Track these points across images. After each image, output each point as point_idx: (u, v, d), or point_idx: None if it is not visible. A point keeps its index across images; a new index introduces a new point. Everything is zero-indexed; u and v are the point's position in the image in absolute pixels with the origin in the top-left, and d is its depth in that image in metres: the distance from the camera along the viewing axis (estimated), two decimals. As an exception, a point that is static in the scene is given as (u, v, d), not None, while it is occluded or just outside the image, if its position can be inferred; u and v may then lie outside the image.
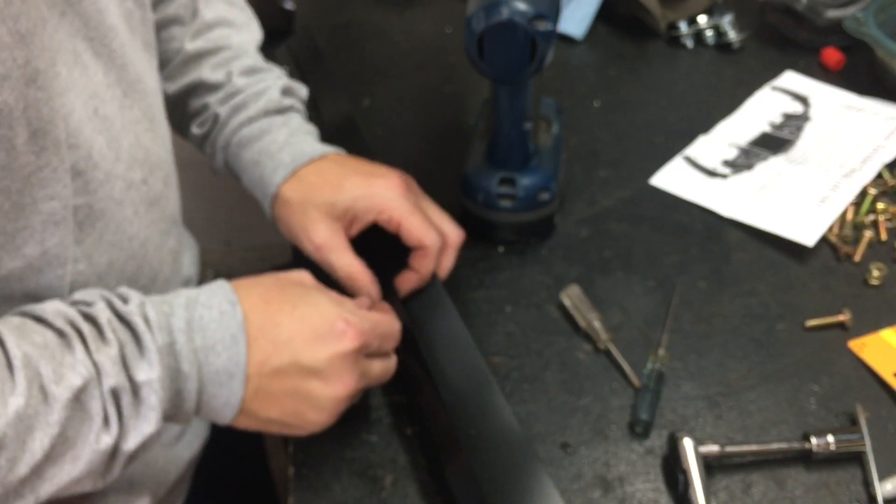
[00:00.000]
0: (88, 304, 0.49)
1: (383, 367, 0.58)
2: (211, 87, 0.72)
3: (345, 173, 0.67)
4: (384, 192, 0.65)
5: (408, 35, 1.06)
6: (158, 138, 0.63)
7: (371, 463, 0.62)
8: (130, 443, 0.48)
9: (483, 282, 0.75)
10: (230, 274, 0.81)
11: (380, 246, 0.66)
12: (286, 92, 0.73)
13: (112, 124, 0.56)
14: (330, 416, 0.54)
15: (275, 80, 0.73)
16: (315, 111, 0.91)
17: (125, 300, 0.50)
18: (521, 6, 0.61)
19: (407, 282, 0.66)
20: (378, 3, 1.11)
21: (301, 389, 0.53)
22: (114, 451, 0.48)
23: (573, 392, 0.66)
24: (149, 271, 0.61)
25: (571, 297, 0.71)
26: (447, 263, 0.67)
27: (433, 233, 0.65)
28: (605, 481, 0.60)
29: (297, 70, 0.99)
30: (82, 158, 0.52)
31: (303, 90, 0.75)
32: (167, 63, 0.74)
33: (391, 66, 1.01)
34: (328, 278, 0.63)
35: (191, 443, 0.71)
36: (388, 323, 0.59)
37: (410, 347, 0.62)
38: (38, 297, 0.52)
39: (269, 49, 0.83)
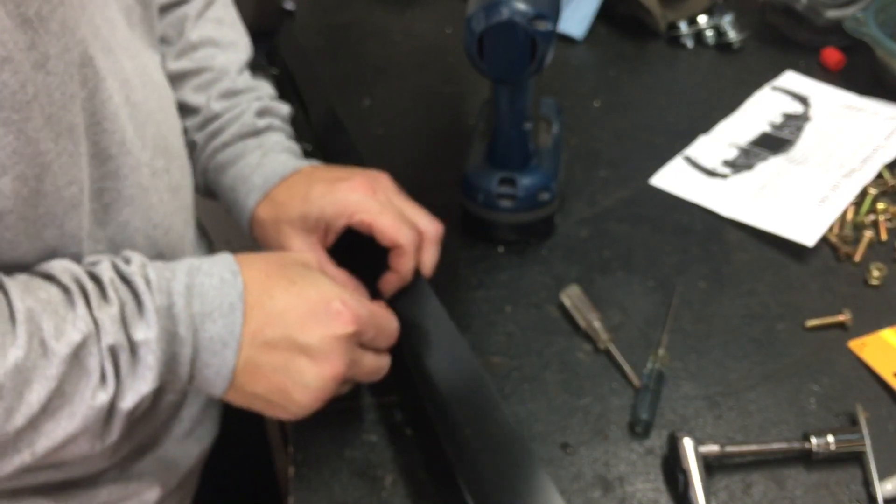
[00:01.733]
0: (94, 263, 0.50)
1: (375, 364, 0.58)
2: (190, 111, 0.72)
3: (311, 184, 0.66)
4: (349, 196, 0.64)
5: (408, 35, 1.06)
6: (174, 130, 0.63)
7: (371, 463, 0.62)
8: (128, 401, 0.48)
9: (483, 282, 0.75)
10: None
11: (361, 251, 0.65)
12: (261, 113, 0.72)
13: (140, 112, 0.56)
14: (314, 399, 0.54)
15: (250, 103, 0.72)
16: (303, 113, 0.91)
17: (128, 261, 0.51)
18: (521, 6, 0.61)
19: (388, 283, 0.65)
20: (378, 3, 1.11)
21: (289, 366, 0.52)
22: (110, 409, 0.48)
23: (573, 392, 0.66)
24: (171, 259, 0.61)
25: (571, 297, 0.71)
26: (429, 259, 0.66)
27: (406, 229, 0.64)
28: (605, 481, 0.60)
29: (285, 72, 0.99)
30: (115, 143, 0.53)
31: (283, 108, 0.74)
32: None
33: (391, 66, 1.01)
34: None
35: (201, 438, 0.71)
36: (386, 317, 0.59)
37: (401, 348, 0.62)
38: None
39: (261, 49, 0.82)
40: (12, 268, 0.50)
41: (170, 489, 0.66)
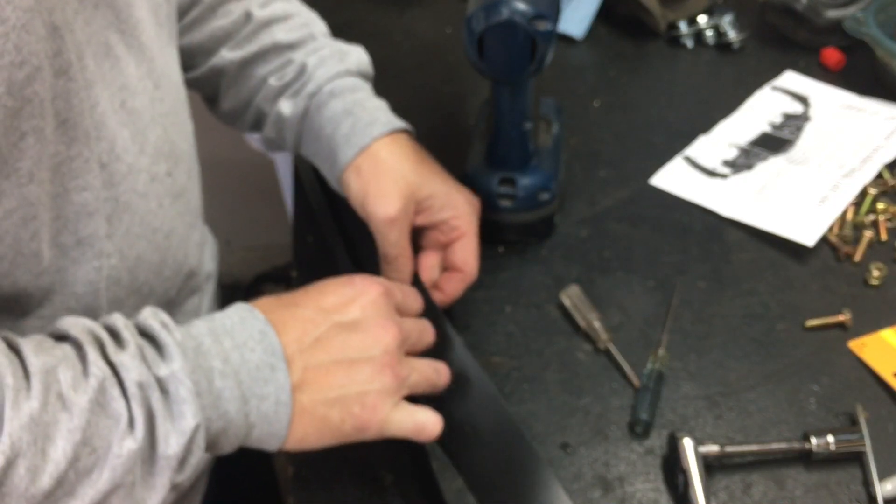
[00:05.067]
0: (107, 317, 0.49)
1: (419, 326, 0.57)
2: (288, 46, 0.72)
3: (435, 164, 0.68)
4: (464, 204, 0.67)
5: (408, 35, 1.06)
6: (183, 132, 0.63)
7: (371, 463, 0.61)
8: (172, 445, 0.45)
9: (483, 282, 0.74)
10: (230, 274, 0.81)
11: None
12: (367, 62, 0.74)
13: (140, 117, 0.56)
14: (389, 375, 0.51)
15: (358, 47, 0.73)
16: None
17: (140, 313, 0.49)
18: (521, 6, 0.61)
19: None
20: (378, 3, 1.11)
21: (347, 349, 0.51)
22: (150, 459, 0.45)
23: (573, 392, 0.66)
24: (174, 264, 0.61)
25: (571, 297, 0.71)
26: (460, 291, 0.68)
27: (477, 264, 0.67)
28: (605, 481, 0.60)
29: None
30: (105, 151, 0.52)
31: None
32: (232, 34, 0.73)
33: (391, 66, 1.01)
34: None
35: None
36: (399, 285, 0.59)
37: None
38: (78, 294, 0.53)
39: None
40: (42, 291, 0.50)
41: (183, 491, 0.66)
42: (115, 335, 0.47)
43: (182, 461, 0.46)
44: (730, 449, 0.60)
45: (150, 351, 0.46)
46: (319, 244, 0.80)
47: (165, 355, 0.46)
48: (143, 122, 0.56)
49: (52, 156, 0.48)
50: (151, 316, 0.48)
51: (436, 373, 0.56)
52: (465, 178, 0.75)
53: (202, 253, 0.68)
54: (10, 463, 0.41)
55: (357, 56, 0.72)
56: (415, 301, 0.59)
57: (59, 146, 0.48)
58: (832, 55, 0.96)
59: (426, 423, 0.53)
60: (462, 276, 0.66)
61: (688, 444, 0.58)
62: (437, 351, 0.59)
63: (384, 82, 0.99)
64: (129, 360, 0.45)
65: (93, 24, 0.51)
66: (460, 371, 0.59)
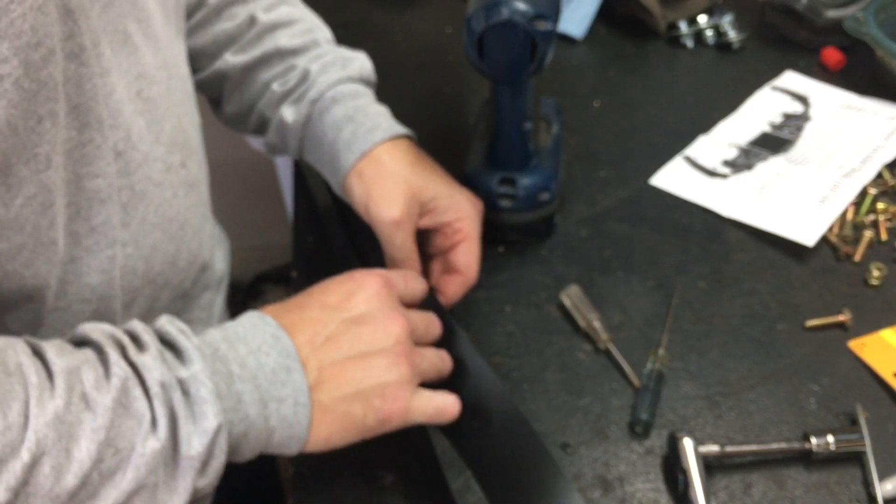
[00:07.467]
0: (126, 323, 0.49)
1: (425, 319, 0.57)
2: (291, 52, 0.72)
3: (437, 167, 0.68)
4: (468, 206, 0.66)
5: (408, 35, 1.06)
6: (193, 125, 0.63)
7: (371, 463, 0.62)
8: (195, 445, 0.45)
9: (483, 282, 0.74)
10: (230, 274, 0.81)
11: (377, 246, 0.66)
12: (370, 69, 0.73)
13: (156, 106, 0.56)
14: (404, 364, 0.52)
15: (361, 54, 0.73)
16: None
17: (156, 321, 0.50)
18: (521, 6, 0.61)
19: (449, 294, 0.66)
20: (378, 3, 1.11)
21: (359, 343, 0.52)
22: (173, 460, 0.45)
23: (573, 392, 0.66)
24: (188, 255, 0.61)
25: (571, 297, 0.71)
26: (460, 294, 0.67)
27: (478, 267, 0.66)
28: (605, 481, 0.60)
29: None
30: (121, 139, 0.53)
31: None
32: (237, 38, 0.73)
33: (391, 66, 1.01)
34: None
35: None
36: (399, 272, 0.59)
37: None
38: (92, 285, 0.53)
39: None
40: (59, 282, 0.50)
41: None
42: (134, 339, 0.47)
43: (205, 463, 0.46)
44: (730, 449, 0.60)
45: (169, 355, 0.47)
46: (319, 244, 0.80)
47: (185, 359, 0.47)
48: (159, 112, 0.56)
49: (65, 141, 0.48)
50: (168, 322, 0.49)
51: (441, 360, 0.57)
52: (465, 178, 0.75)
53: (215, 249, 0.68)
54: (36, 461, 0.41)
55: (360, 63, 0.72)
56: (417, 285, 0.59)
57: (70, 131, 0.48)
58: (832, 55, 0.96)
59: (446, 404, 0.54)
60: (463, 279, 0.66)
61: (688, 444, 0.58)
62: (441, 344, 0.59)
63: (384, 83, 0.99)
64: (150, 361, 0.45)
65: (110, 11, 0.52)
66: (465, 363, 0.59)
